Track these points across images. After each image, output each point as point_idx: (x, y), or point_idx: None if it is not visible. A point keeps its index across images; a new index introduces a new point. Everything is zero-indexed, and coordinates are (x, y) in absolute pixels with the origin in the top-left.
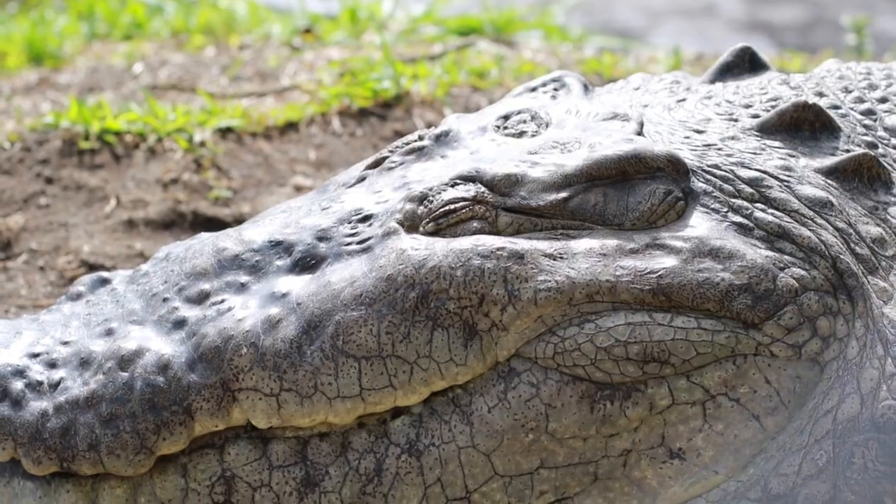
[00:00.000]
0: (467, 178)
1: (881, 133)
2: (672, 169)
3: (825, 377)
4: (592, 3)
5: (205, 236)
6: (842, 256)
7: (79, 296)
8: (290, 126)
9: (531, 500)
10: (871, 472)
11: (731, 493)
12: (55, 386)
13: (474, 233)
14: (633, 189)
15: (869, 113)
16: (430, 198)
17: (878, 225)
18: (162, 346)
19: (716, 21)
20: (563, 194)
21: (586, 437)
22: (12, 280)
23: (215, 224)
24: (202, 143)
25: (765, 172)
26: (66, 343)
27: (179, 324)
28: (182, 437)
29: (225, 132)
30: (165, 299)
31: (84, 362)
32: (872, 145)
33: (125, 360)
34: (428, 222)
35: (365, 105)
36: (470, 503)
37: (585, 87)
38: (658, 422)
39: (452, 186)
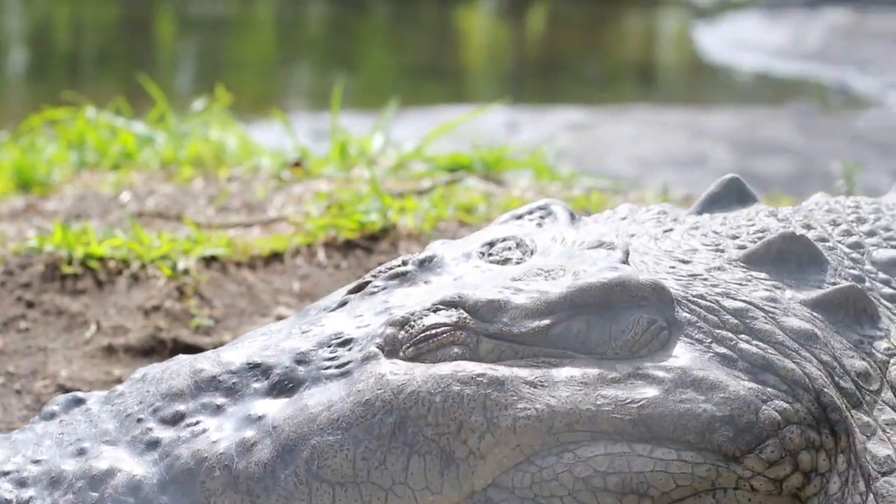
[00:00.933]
0: (450, 304)
1: (868, 267)
2: (657, 298)
3: None
4: (585, 152)
5: (182, 358)
6: (825, 390)
7: (52, 415)
8: (275, 256)
9: None
10: None
11: None
12: None
13: (455, 359)
14: (617, 317)
15: (857, 246)
16: (412, 322)
17: (863, 359)
18: (134, 466)
19: (705, 171)
20: (546, 321)
21: None
22: None
23: (196, 352)
24: (185, 271)
25: (750, 303)
26: (36, 462)
27: (153, 444)
28: None
29: (209, 261)
30: (140, 420)
31: (54, 481)
32: (859, 279)
33: (96, 480)
34: (408, 347)
35: (351, 237)
36: None
37: (572, 216)
38: None
39: (434, 312)
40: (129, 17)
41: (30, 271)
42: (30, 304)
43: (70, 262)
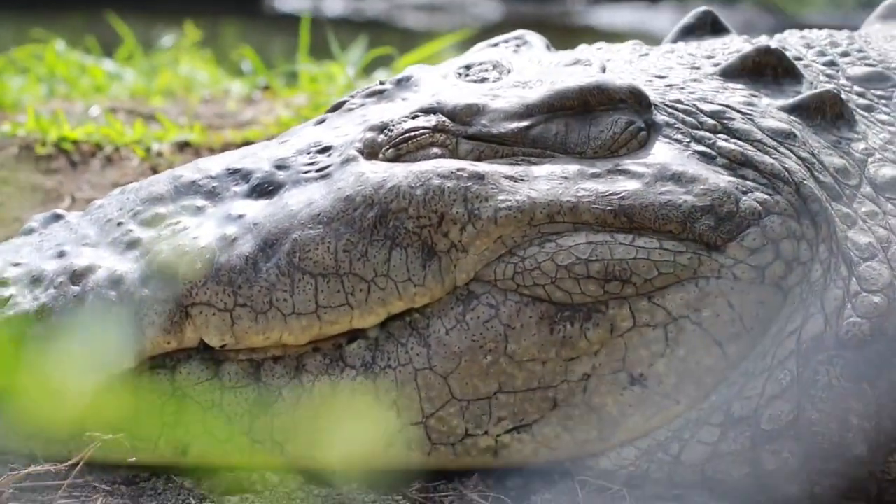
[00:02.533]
0: (428, 111)
1: (843, 81)
2: (634, 100)
3: (788, 302)
4: None
5: (162, 173)
6: (805, 182)
7: (31, 230)
8: (249, 144)
9: (488, 426)
10: (835, 390)
11: (692, 421)
12: (5, 302)
13: (435, 159)
14: (596, 119)
15: (831, 64)
16: (391, 127)
17: (842, 157)
18: (115, 263)
19: None
20: (525, 123)
21: (546, 360)
22: None
23: None
24: (159, 154)
25: (727, 106)
26: (16, 265)
27: (133, 244)
28: (132, 354)
29: (183, 146)
30: (120, 223)
31: (35, 280)
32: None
33: (77, 276)
34: (388, 149)
35: None
36: (426, 428)
37: (547, 47)
38: (619, 345)
39: (413, 118)
40: None
41: (3, 153)
42: (4, 181)
43: (44, 144)
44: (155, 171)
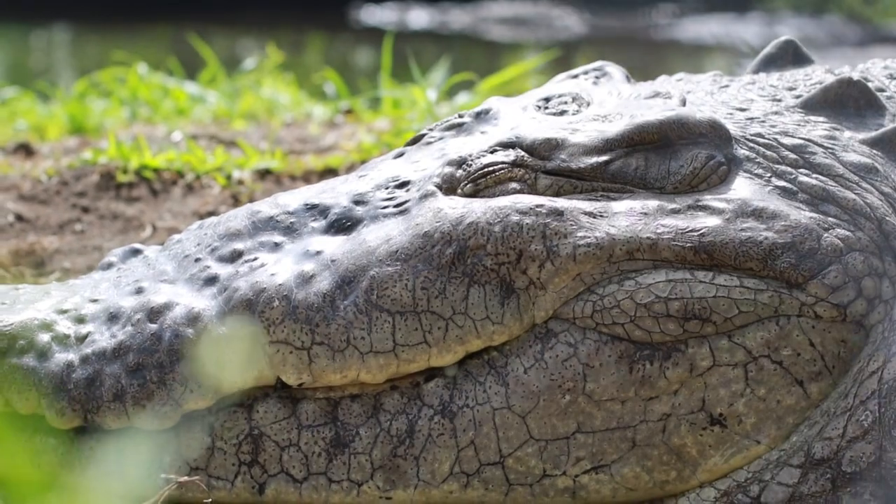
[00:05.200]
0: (507, 145)
1: None
2: (714, 134)
3: (870, 341)
4: None
5: (240, 208)
6: (887, 218)
7: (110, 265)
8: (330, 171)
9: (567, 466)
10: None
11: (773, 462)
12: (82, 339)
13: (514, 194)
14: (676, 154)
15: None
16: (469, 162)
17: None
18: (192, 300)
19: None
20: (605, 157)
21: (624, 400)
22: None
23: None
24: (240, 182)
25: (809, 140)
26: (94, 301)
27: (211, 280)
28: (209, 392)
29: (264, 174)
30: (198, 259)
31: (112, 317)
32: None
33: (154, 313)
34: (466, 184)
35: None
36: (504, 468)
37: (627, 78)
38: (699, 384)
39: (492, 152)
40: None
41: (84, 181)
42: (85, 210)
43: (125, 172)
44: (236, 198)
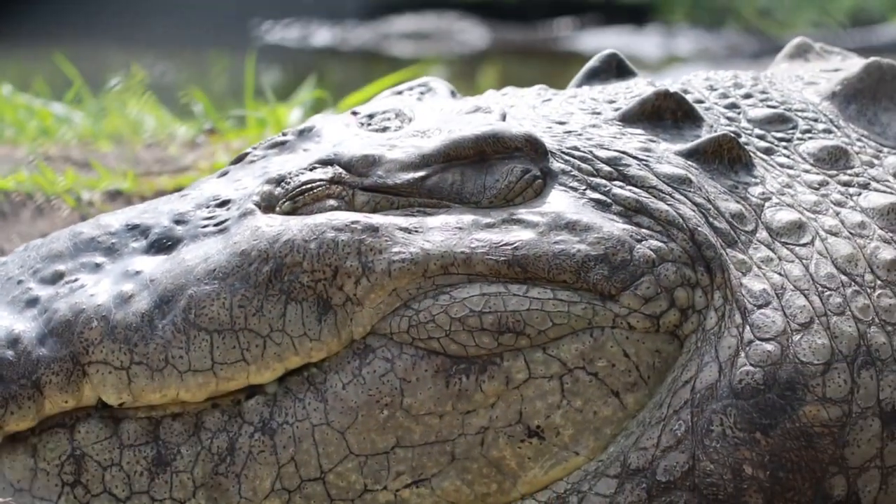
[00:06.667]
0: (325, 162)
1: (744, 124)
2: (530, 149)
3: (684, 350)
4: None
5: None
6: (700, 229)
7: None
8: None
9: (387, 481)
10: (729, 439)
11: (591, 473)
12: None
13: (331, 211)
14: (491, 168)
15: (733, 106)
16: (288, 180)
17: (738, 202)
18: (13, 322)
19: None
20: (421, 173)
21: (442, 414)
22: None
23: None
24: (90, 203)
25: (623, 153)
26: None
27: (32, 302)
28: (31, 413)
29: (115, 195)
30: (20, 281)
31: None
32: (736, 134)
33: None
34: (284, 202)
35: None
36: (325, 484)
37: (452, 93)
38: (515, 397)
39: (311, 170)
40: None
41: None
42: None
43: None
44: (85, 220)
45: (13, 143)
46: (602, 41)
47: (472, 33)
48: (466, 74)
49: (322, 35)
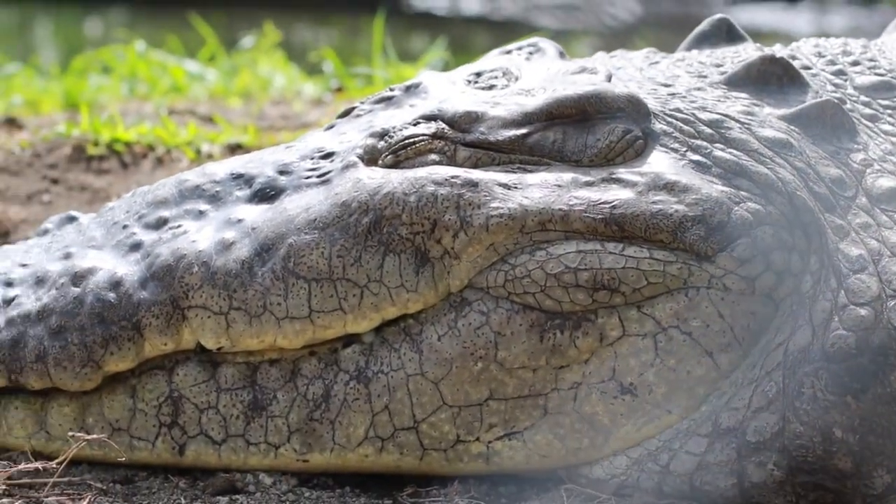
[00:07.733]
0: (429, 117)
1: (850, 91)
2: (632, 109)
3: (779, 313)
4: None
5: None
6: (798, 193)
7: (45, 231)
8: None
9: (480, 432)
10: (819, 402)
11: (682, 431)
12: (9, 302)
13: (432, 165)
14: (593, 128)
15: (840, 73)
16: (391, 133)
17: (839, 167)
18: (116, 265)
19: None
20: (523, 130)
21: (536, 368)
22: None
23: None
24: (210, 156)
25: (726, 116)
26: (24, 265)
27: (136, 246)
28: (130, 354)
29: (235, 148)
30: (125, 226)
31: (39, 281)
32: (841, 100)
33: (78, 277)
34: (387, 155)
35: None
36: (418, 433)
37: (561, 54)
38: (609, 354)
39: (414, 125)
40: None
41: (56, 153)
42: (54, 181)
43: (96, 145)
44: None
45: (144, 99)
46: (754, 16)
47: (623, 6)
48: (615, 48)
49: (470, 3)
